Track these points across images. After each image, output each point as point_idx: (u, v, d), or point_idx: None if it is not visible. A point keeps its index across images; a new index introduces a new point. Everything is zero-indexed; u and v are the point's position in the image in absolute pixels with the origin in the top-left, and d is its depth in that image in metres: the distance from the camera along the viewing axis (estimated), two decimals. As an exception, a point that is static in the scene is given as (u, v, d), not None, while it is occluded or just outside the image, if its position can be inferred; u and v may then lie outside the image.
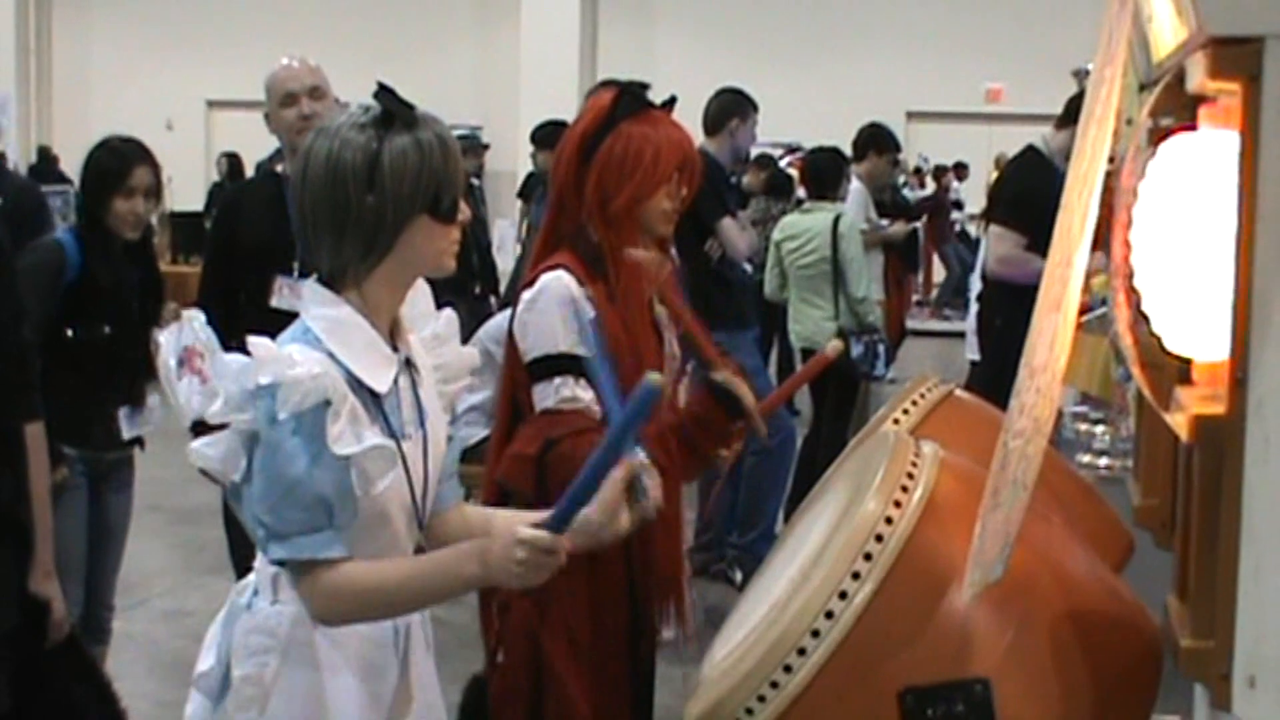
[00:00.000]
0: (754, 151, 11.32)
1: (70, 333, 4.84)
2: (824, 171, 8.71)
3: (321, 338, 2.62)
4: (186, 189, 20.27)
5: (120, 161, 4.95)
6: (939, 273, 21.59)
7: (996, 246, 6.89)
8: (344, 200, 2.62)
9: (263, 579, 2.75)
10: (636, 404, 2.64)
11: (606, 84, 3.64)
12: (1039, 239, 6.72)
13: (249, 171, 16.70)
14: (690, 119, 3.75)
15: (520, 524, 2.60)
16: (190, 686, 2.85)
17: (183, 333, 4.95)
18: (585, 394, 3.45)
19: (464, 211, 2.72)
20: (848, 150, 9.47)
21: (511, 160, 20.19)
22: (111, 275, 4.94)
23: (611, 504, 2.70)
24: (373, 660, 2.78)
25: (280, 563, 2.64)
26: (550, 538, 2.56)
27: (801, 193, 10.42)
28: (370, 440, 2.61)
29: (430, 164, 2.64)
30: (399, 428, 2.70)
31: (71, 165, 5.32)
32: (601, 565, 3.35)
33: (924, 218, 16.95)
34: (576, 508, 2.63)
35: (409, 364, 2.78)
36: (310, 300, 2.69)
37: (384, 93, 2.69)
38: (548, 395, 3.49)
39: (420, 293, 2.85)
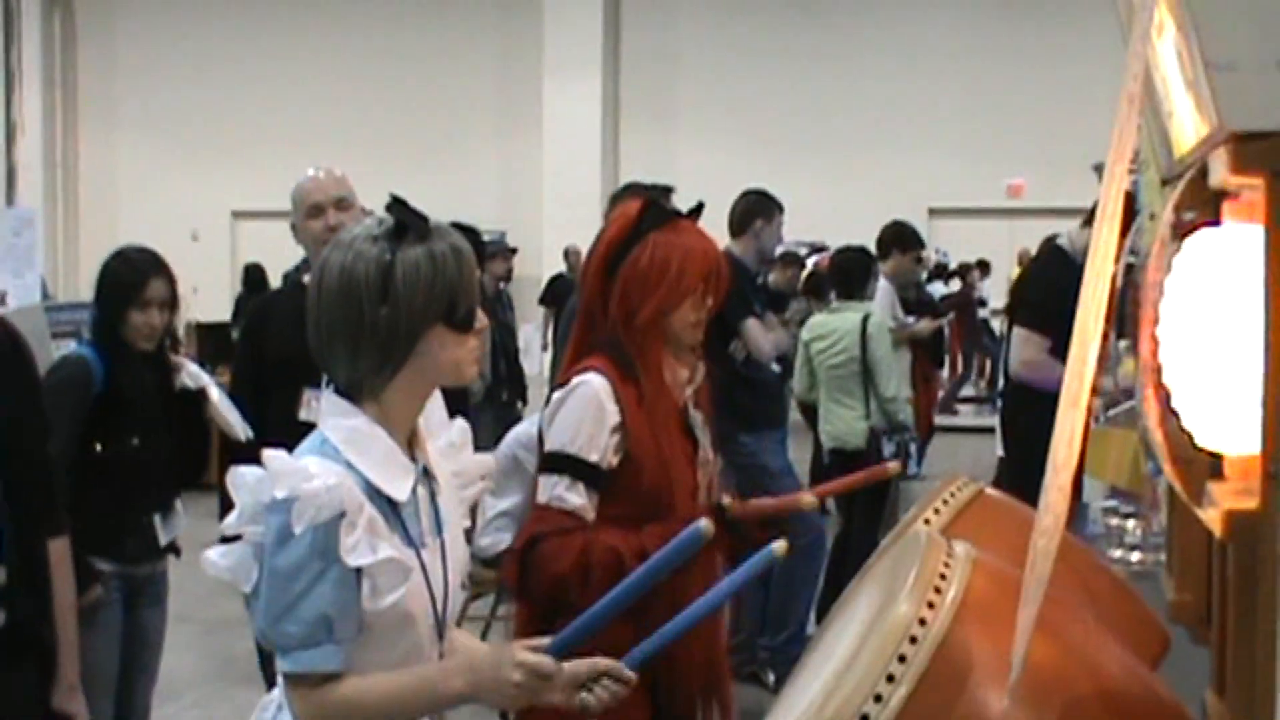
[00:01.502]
0: (779, 249, 11.37)
1: (99, 447, 4.83)
2: (851, 271, 8.73)
3: (340, 448, 2.63)
4: (212, 299, 20.42)
5: (135, 273, 4.95)
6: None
7: (1022, 350, 6.88)
8: (357, 313, 2.63)
9: (285, 691, 2.75)
10: (678, 546, 2.67)
11: (632, 188, 3.66)
12: (1063, 340, 6.73)
13: (273, 281, 16.78)
14: (712, 220, 3.76)
15: (519, 645, 2.63)
16: None
17: (181, 377, 4.98)
18: (576, 499, 3.48)
19: (481, 320, 2.74)
20: (871, 248, 9.50)
21: (536, 265, 20.30)
22: (135, 385, 4.94)
23: (577, 676, 2.71)
24: None
25: (285, 674, 2.66)
26: (550, 664, 2.59)
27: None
28: (385, 552, 2.62)
29: (445, 274, 2.66)
30: (418, 537, 2.71)
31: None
32: None
33: (950, 315, 16.96)
34: (583, 637, 2.65)
35: (426, 473, 2.79)
36: (328, 411, 2.71)
37: (397, 205, 2.71)
38: (545, 490, 3.52)
39: (434, 402, 2.87)
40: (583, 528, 3.47)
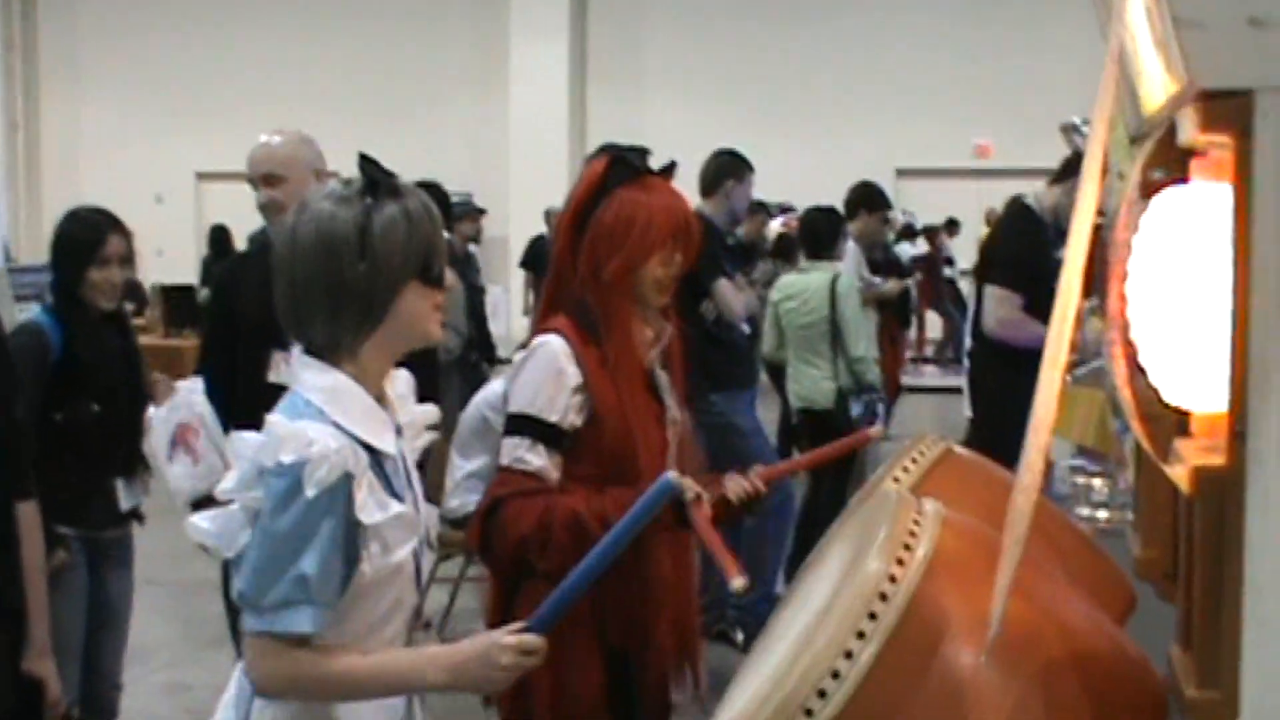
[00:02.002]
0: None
1: (59, 415, 4.80)
2: (820, 231, 8.74)
3: (323, 409, 2.63)
4: (177, 262, 20.36)
5: (91, 231, 4.93)
6: (933, 329, 21.65)
7: (997, 309, 6.89)
8: (337, 270, 2.64)
9: (250, 657, 2.74)
10: (646, 502, 2.68)
11: (608, 150, 3.65)
12: (1035, 299, 6.76)
13: (239, 244, 16.72)
14: (681, 182, 3.76)
15: (500, 633, 2.66)
16: None
17: (177, 409, 4.96)
18: (537, 460, 3.48)
19: (450, 278, 2.76)
20: (839, 208, 9.50)
21: (503, 226, 20.27)
22: (94, 351, 4.91)
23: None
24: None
25: (253, 634, 2.64)
26: (537, 641, 2.61)
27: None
28: (395, 508, 2.65)
29: (419, 230, 2.68)
30: (401, 490, 2.73)
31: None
32: (571, 631, 3.28)
33: (916, 275, 16.99)
34: (565, 608, 2.66)
35: (398, 429, 2.81)
36: (302, 370, 2.71)
37: (367, 163, 2.72)
38: (506, 452, 3.52)
39: None
40: (545, 490, 3.47)
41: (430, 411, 2.98)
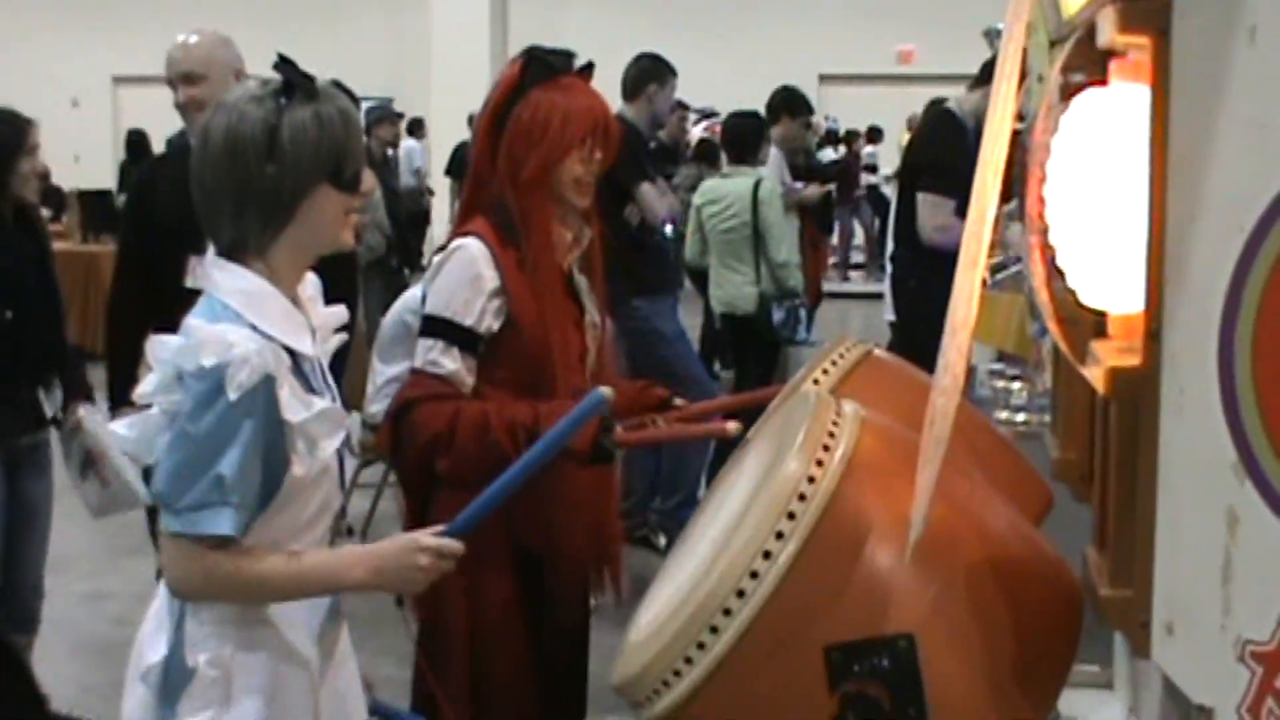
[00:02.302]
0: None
1: None
2: (744, 136, 8.71)
3: (240, 311, 2.61)
4: (94, 167, 20.09)
5: (13, 128, 4.89)
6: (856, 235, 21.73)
7: (932, 216, 6.87)
8: (243, 171, 2.62)
9: (167, 559, 2.72)
10: (576, 416, 2.68)
11: (528, 52, 3.61)
12: (962, 203, 6.77)
13: (157, 148, 16.53)
14: (606, 87, 3.73)
15: (420, 533, 2.66)
16: (127, 678, 2.80)
17: (80, 437, 4.93)
18: (450, 363, 3.46)
19: (367, 182, 2.73)
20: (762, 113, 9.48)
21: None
22: (4, 256, 4.85)
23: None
24: (316, 628, 2.80)
25: (172, 534, 2.61)
26: (455, 545, 2.63)
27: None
28: (319, 405, 2.64)
29: (330, 134, 2.65)
30: (319, 389, 2.72)
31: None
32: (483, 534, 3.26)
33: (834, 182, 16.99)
34: (485, 514, 2.67)
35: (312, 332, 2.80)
36: (216, 274, 2.68)
37: (284, 64, 2.70)
38: (420, 354, 3.50)
39: None
40: (456, 394, 3.46)
41: (339, 313, 2.96)
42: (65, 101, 22.32)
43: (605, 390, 2.82)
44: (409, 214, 11.74)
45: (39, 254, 5.03)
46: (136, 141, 18.21)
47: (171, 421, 2.59)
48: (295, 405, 2.61)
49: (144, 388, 2.63)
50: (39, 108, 5.32)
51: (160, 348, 2.61)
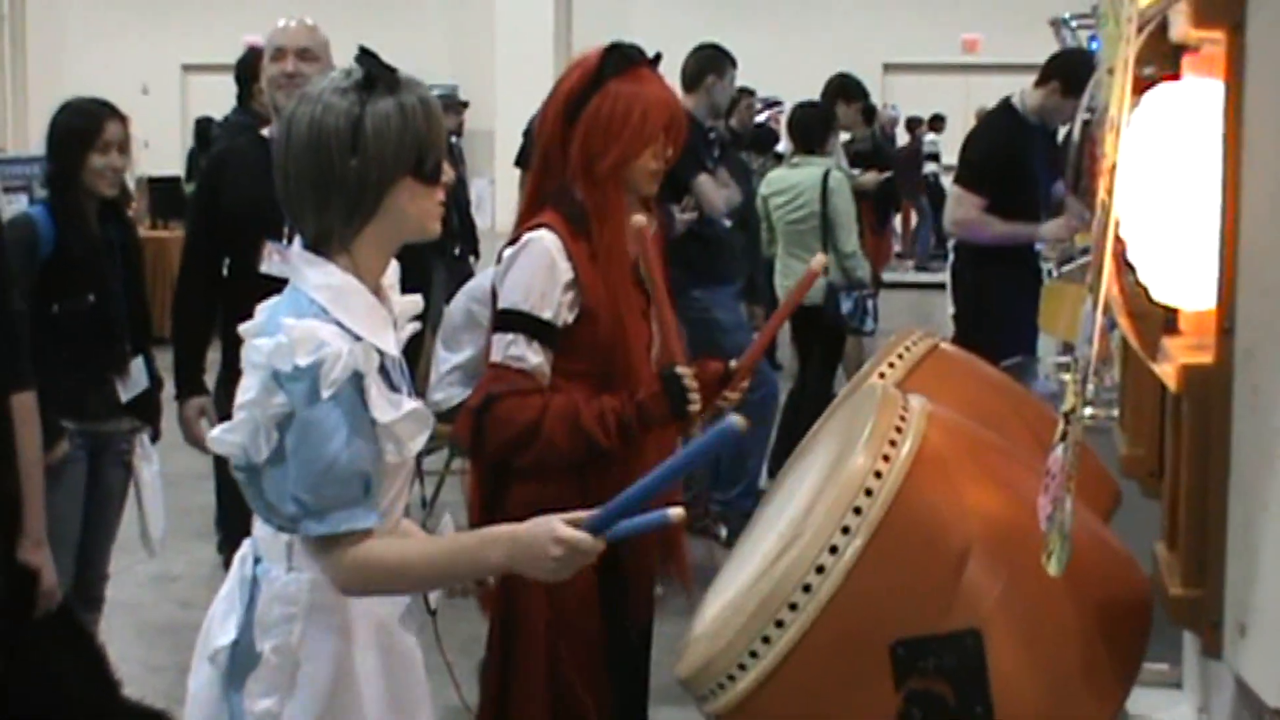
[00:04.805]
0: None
1: (56, 307, 4.79)
2: (811, 126, 8.69)
3: (327, 308, 2.61)
4: (163, 153, 20.17)
5: (89, 119, 4.90)
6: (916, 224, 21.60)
7: (955, 209, 6.92)
8: (328, 164, 2.62)
9: (271, 548, 2.73)
10: (712, 439, 2.67)
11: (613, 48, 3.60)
12: (1001, 201, 6.76)
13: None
14: (667, 76, 3.72)
15: (558, 520, 2.62)
16: (195, 657, 2.83)
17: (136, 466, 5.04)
18: (534, 357, 3.45)
19: (447, 173, 2.73)
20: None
21: (488, 119, 20.11)
22: (86, 244, 4.88)
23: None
24: (387, 622, 2.81)
25: (317, 538, 2.62)
26: (590, 540, 2.60)
27: (781, 147, 10.39)
28: (408, 405, 2.65)
29: (413, 126, 2.65)
30: (399, 385, 2.73)
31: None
32: None
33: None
34: (620, 515, 2.64)
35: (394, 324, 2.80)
36: (303, 267, 2.68)
37: (366, 56, 2.69)
38: (499, 349, 3.49)
39: None
40: (539, 388, 3.46)
41: (415, 301, 2.96)
42: (136, 88, 22.43)
43: (738, 420, 2.70)
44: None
45: (123, 242, 5.07)
46: (204, 129, 18.30)
47: (274, 424, 2.60)
48: (384, 405, 2.61)
49: (244, 396, 2.63)
50: (110, 94, 5.31)
51: (254, 351, 2.61)
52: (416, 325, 2.95)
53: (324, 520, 2.59)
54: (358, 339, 2.60)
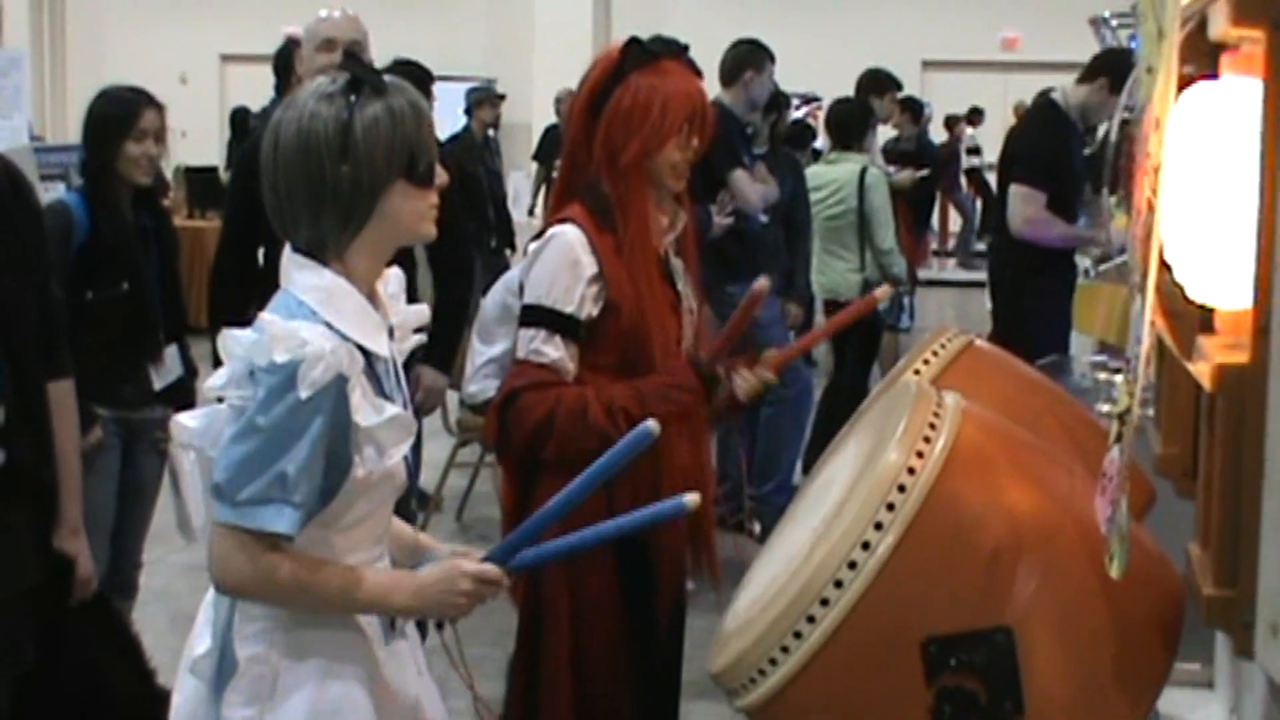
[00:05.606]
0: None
1: (90, 294, 4.81)
2: (848, 122, 8.68)
3: (316, 309, 2.59)
4: (200, 143, 20.24)
5: (125, 107, 4.91)
6: (954, 221, 21.52)
7: (1024, 208, 6.82)
8: (319, 172, 2.59)
9: (215, 549, 2.65)
10: (623, 448, 2.66)
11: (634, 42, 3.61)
12: (1057, 197, 6.74)
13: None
14: (706, 72, 3.72)
15: (459, 556, 2.68)
16: (179, 670, 2.82)
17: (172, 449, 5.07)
18: (554, 352, 3.47)
19: (441, 175, 2.70)
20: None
21: (526, 113, 20.12)
22: (120, 232, 4.89)
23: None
24: (371, 629, 2.77)
25: (224, 524, 2.57)
26: (497, 572, 2.63)
27: (818, 144, 10.37)
28: (390, 410, 2.62)
29: (403, 129, 2.61)
30: (390, 392, 2.70)
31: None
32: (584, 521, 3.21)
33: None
34: (526, 542, 2.66)
35: (389, 331, 2.78)
36: (295, 270, 2.66)
37: (350, 61, 2.68)
38: (523, 345, 3.51)
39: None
40: (560, 382, 3.46)
41: (420, 311, 2.93)
42: (174, 78, 22.50)
43: (651, 424, 2.69)
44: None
45: (158, 230, 5.08)
46: (240, 119, 18.35)
47: (238, 416, 2.57)
48: (367, 409, 2.58)
49: (215, 381, 2.60)
50: (148, 83, 5.32)
51: (232, 342, 2.58)
52: (421, 337, 2.94)
53: (237, 509, 2.53)
54: (347, 340, 2.58)
